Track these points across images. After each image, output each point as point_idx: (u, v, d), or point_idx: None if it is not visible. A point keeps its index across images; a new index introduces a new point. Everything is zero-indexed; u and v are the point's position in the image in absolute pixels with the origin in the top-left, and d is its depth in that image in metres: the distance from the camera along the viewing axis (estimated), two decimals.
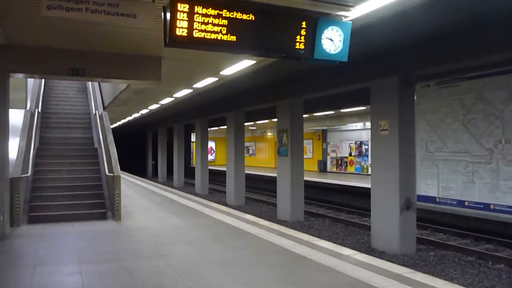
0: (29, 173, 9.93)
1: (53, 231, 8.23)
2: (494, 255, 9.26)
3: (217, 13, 4.37)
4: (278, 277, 5.35)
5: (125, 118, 26.07)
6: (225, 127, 19.58)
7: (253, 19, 4.53)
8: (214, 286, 4.97)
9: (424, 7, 6.21)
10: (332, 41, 4.93)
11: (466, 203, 8.26)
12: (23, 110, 12.14)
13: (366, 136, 24.30)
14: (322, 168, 27.86)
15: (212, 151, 40.43)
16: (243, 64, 8.49)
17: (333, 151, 27.70)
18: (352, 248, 7.97)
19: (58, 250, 6.81)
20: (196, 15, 4.28)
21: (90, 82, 17.50)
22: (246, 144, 28.55)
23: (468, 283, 7.69)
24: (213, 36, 4.40)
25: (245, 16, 4.49)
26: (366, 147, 24.45)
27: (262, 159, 36.48)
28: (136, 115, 23.27)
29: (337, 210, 16.30)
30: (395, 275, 5.26)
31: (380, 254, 9.15)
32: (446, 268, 8.65)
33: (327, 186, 19.26)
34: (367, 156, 24.25)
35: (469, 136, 8.19)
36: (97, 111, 14.67)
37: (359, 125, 25.06)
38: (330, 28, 4.87)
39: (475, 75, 8.12)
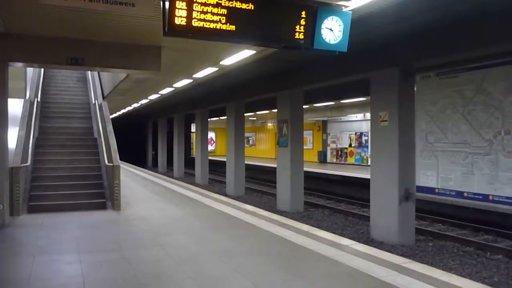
0: (29, 163, 9.95)
1: (52, 220, 8.25)
2: (493, 246, 9.28)
3: (216, 2, 4.34)
4: (278, 266, 5.37)
5: (125, 108, 26.02)
6: (225, 117, 19.55)
7: (252, 8, 4.50)
8: (213, 275, 5.00)
9: None
10: (332, 31, 4.90)
11: (465, 194, 8.27)
12: (23, 100, 12.13)
13: (366, 127, 24.29)
14: (322, 159, 27.87)
15: (212, 142, 40.44)
16: (243, 54, 8.45)
17: (333, 142, 27.70)
18: (351, 239, 7.99)
19: (58, 239, 6.83)
20: (195, 4, 4.25)
21: (89, 72, 17.47)
22: (246, 134, 28.55)
23: (466, 274, 7.72)
24: (212, 25, 4.37)
25: (244, 6, 4.46)
26: (366, 138, 24.45)
27: (262, 149, 36.50)
28: (136, 105, 23.23)
29: (336, 201, 16.33)
30: (394, 265, 5.29)
31: (379, 245, 9.19)
32: (444, 258, 8.68)
33: (327, 177, 19.28)
34: (367, 147, 24.26)
35: (468, 127, 8.18)
36: (96, 101, 14.66)
37: (359, 116, 25.02)
38: (330, 18, 4.84)
39: (475, 66, 8.09)
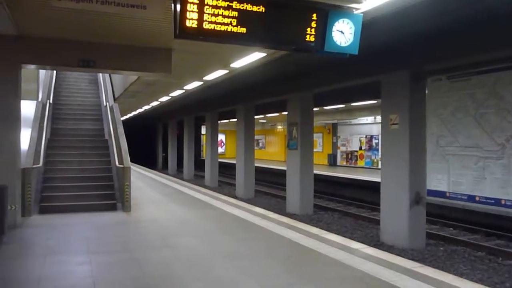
0: (41, 164, 10.04)
1: (63, 221, 8.31)
2: (505, 251, 9.18)
3: (227, 4, 4.35)
4: (287, 269, 5.36)
5: (135, 110, 26.16)
6: (235, 120, 19.57)
7: (263, 11, 4.50)
8: (222, 278, 4.99)
9: (436, 1, 6.14)
10: (343, 34, 4.88)
11: (477, 198, 8.19)
12: (35, 101, 12.25)
13: (376, 130, 24.16)
14: (332, 162, 27.77)
15: (222, 144, 40.50)
16: (253, 57, 8.46)
17: (343, 145, 27.59)
18: (361, 242, 7.92)
19: (68, 240, 6.88)
20: (206, 7, 4.26)
21: (101, 74, 17.58)
22: (256, 137, 28.53)
23: (477, 279, 7.64)
24: (223, 28, 4.38)
25: (255, 8, 4.47)
26: (377, 141, 24.32)
27: (272, 152, 36.46)
28: (146, 107, 23.36)
29: (346, 204, 16.26)
30: (404, 269, 5.24)
31: (389, 249, 9.11)
32: (455, 263, 8.60)
33: (337, 180, 19.20)
34: (377, 150, 24.13)
35: (480, 131, 8.10)
36: (107, 103, 14.74)
37: (370, 119, 24.92)
38: (341, 20, 4.83)
39: (487, 69, 8.01)
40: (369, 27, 5.69)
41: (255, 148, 20.78)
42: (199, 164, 31.10)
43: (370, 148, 25.33)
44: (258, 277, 4.99)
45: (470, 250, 9.49)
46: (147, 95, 17.13)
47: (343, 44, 4.92)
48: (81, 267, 5.37)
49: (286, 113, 15.08)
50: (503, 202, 7.71)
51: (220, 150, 33.54)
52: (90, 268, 5.29)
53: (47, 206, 9.26)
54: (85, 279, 4.87)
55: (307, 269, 5.40)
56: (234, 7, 4.38)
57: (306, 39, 4.77)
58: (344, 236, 8.80)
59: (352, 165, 26.40)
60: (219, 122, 24.26)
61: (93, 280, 4.82)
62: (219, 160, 24.22)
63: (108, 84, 17.00)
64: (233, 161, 21.00)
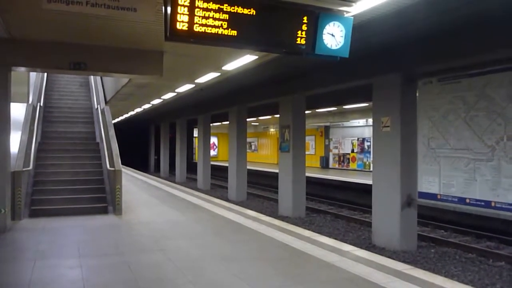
0: (31, 167, 9.97)
1: (54, 225, 8.25)
2: (495, 253, 9.23)
3: (218, 7, 4.34)
4: (278, 272, 5.36)
5: (127, 113, 26.06)
6: (228, 122, 19.57)
7: (254, 14, 4.50)
8: (214, 280, 4.99)
9: (426, 4, 6.19)
10: (334, 37, 4.89)
11: (467, 201, 8.24)
12: (25, 104, 12.17)
13: (368, 132, 24.24)
14: (324, 164, 27.83)
15: (215, 147, 40.45)
16: (245, 59, 8.45)
17: (336, 147, 27.66)
18: (353, 244, 7.95)
19: (59, 244, 6.83)
20: (196, 9, 4.26)
21: (92, 77, 17.52)
22: (249, 139, 28.55)
23: (468, 280, 7.68)
24: (213, 30, 4.38)
25: (246, 11, 4.46)
26: (369, 143, 24.41)
27: (264, 155, 36.46)
28: (138, 109, 23.27)
29: (338, 207, 16.28)
30: (395, 271, 5.26)
31: (381, 251, 9.15)
32: (446, 265, 8.64)
33: (329, 182, 19.24)
34: (369, 152, 24.21)
35: (471, 133, 8.16)
36: (99, 106, 14.69)
37: (362, 121, 24.99)
38: (331, 23, 4.84)
39: (477, 72, 8.08)
40: (360, 30, 5.71)
41: (248, 150, 20.79)
42: (192, 167, 31.05)
43: (362, 150, 25.41)
44: (250, 279, 4.98)
45: (461, 252, 9.53)
46: (139, 97, 17.07)
47: (333, 47, 4.93)
48: (72, 271, 5.33)
49: (278, 115, 15.09)
50: (493, 204, 7.77)
51: (213, 153, 33.53)
52: (80, 272, 5.26)
53: (37, 209, 9.20)
54: (76, 283, 4.84)
55: (298, 271, 5.40)
56: (224, 10, 4.37)
57: (297, 42, 4.77)
58: (336, 239, 8.86)
59: (344, 168, 26.47)
60: (211, 124, 24.22)
61: (84, 284, 4.79)
62: (212, 163, 24.17)
63: (100, 86, 16.94)
64: (226, 164, 20.98)
